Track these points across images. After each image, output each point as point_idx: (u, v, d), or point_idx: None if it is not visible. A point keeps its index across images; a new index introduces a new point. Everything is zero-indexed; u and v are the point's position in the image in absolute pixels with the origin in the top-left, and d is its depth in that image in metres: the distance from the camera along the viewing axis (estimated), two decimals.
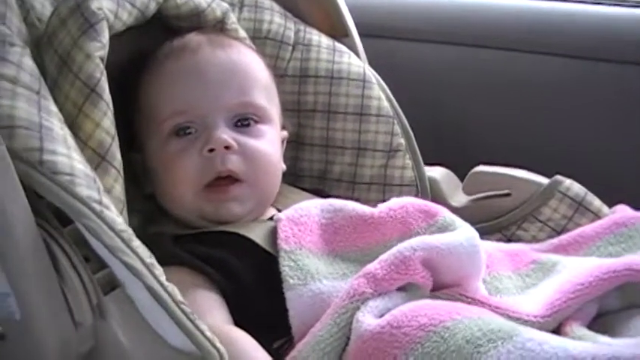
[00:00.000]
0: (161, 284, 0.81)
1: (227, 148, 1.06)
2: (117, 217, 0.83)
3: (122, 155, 1.04)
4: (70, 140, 0.87)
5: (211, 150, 1.06)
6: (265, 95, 1.13)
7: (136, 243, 0.83)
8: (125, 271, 0.80)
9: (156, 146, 1.09)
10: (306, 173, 1.30)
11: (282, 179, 1.17)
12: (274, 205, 1.15)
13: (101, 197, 0.82)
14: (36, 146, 0.81)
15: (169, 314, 0.80)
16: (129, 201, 1.08)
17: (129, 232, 0.83)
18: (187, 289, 0.95)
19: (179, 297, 0.83)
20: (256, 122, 1.11)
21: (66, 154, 0.83)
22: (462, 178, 1.32)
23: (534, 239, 1.22)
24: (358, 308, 0.89)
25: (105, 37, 0.97)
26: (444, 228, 1.03)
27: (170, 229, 1.09)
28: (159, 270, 0.83)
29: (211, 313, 0.94)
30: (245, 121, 1.10)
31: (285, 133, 1.20)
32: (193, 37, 1.13)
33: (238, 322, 0.96)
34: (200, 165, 1.06)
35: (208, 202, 1.07)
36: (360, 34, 1.36)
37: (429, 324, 0.84)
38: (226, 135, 1.06)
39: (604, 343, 0.88)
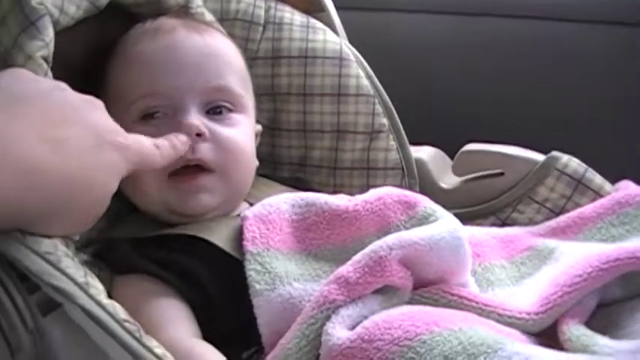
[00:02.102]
0: (98, 303, 0.75)
1: (199, 135, 0.98)
2: (43, 237, 0.76)
3: None
4: None
5: None
6: (241, 83, 1.07)
7: (67, 263, 0.76)
8: (56, 293, 0.73)
9: None
10: (284, 160, 1.23)
11: (259, 167, 1.10)
12: (246, 199, 1.08)
13: None
14: None
15: (109, 334, 0.74)
16: None
17: (58, 253, 0.76)
18: (148, 300, 0.90)
19: (121, 315, 0.77)
20: (229, 111, 1.04)
21: None
22: (452, 157, 1.24)
23: (531, 222, 1.15)
24: (329, 318, 0.82)
25: (48, 34, 0.89)
26: (424, 219, 0.95)
27: (132, 231, 1.01)
28: (96, 289, 0.77)
29: (173, 326, 0.88)
30: (217, 108, 1.03)
31: (259, 127, 1.13)
32: (167, 20, 1.07)
33: (205, 332, 0.90)
34: None
35: (174, 192, 0.99)
36: (340, 7, 1.28)
37: (404, 337, 0.76)
38: (199, 121, 0.98)
39: (603, 346, 0.80)
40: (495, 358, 0.73)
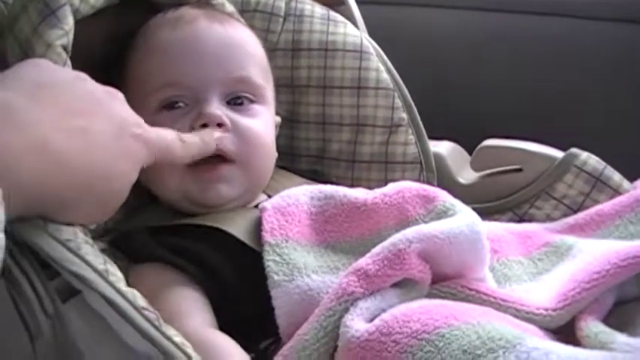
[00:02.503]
0: (118, 291, 0.75)
1: (220, 125, 0.98)
2: (63, 225, 0.76)
3: None
4: None
5: (203, 125, 0.98)
6: (261, 74, 1.06)
7: (87, 249, 0.76)
8: (76, 280, 0.74)
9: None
10: (302, 152, 1.23)
11: (277, 160, 1.09)
12: (264, 190, 1.08)
13: None
14: None
15: (129, 322, 0.75)
16: None
17: (77, 241, 0.76)
18: (166, 289, 0.90)
19: (141, 302, 0.77)
20: (251, 102, 1.04)
21: None
22: (471, 152, 1.24)
23: (548, 218, 1.15)
24: (347, 310, 0.81)
25: (68, 23, 0.89)
26: (443, 213, 0.94)
27: (150, 220, 1.01)
28: (115, 276, 0.77)
29: (190, 316, 0.88)
30: (239, 99, 1.03)
31: (278, 119, 1.13)
32: (189, 10, 1.07)
33: (222, 322, 0.90)
34: None
35: (194, 182, 0.99)
36: (359, 2, 1.27)
37: (422, 331, 0.75)
38: (220, 111, 0.98)
39: (622, 343, 0.79)
40: (514, 353, 0.72)
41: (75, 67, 0.88)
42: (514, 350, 0.72)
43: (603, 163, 1.14)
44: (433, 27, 1.53)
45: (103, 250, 0.87)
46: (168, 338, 0.76)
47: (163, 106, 1.01)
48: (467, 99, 1.50)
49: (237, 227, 0.95)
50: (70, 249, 0.74)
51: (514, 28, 1.47)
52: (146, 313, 0.76)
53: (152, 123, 0.98)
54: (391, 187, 0.99)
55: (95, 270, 0.75)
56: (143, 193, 1.05)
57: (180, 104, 1.00)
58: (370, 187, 1.07)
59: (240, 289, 0.91)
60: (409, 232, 0.86)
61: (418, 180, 1.17)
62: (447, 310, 0.79)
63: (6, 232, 0.63)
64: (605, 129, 1.39)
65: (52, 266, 0.75)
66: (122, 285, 0.77)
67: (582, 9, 1.41)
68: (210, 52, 1.02)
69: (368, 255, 0.86)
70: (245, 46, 1.06)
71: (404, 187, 0.98)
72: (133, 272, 0.93)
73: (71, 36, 0.90)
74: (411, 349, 0.75)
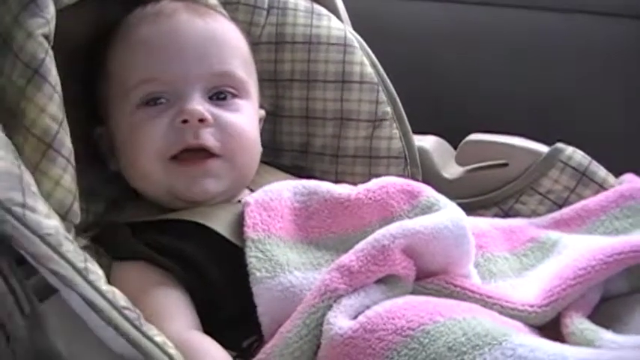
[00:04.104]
0: (97, 290, 0.74)
1: (202, 121, 0.97)
2: (45, 219, 0.74)
3: (87, 133, 1.01)
4: None
5: (184, 121, 0.97)
6: (244, 68, 1.05)
7: (67, 247, 0.74)
8: (55, 279, 0.72)
9: (123, 116, 1.00)
10: (286, 147, 1.21)
11: (261, 154, 1.08)
12: (248, 185, 1.07)
13: (25, 199, 0.73)
14: None
15: (107, 322, 0.73)
16: (94, 185, 1.02)
17: (58, 236, 0.74)
18: (147, 287, 0.89)
19: (121, 302, 0.76)
20: (234, 96, 1.02)
21: None
22: (456, 147, 1.23)
23: (534, 213, 1.14)
24: (330, 307, 0.81)
25: (49, 12, 0.88)
26: (427, 209, 0.93)
27: (132, 216, 1.00)
28: (95, 275, 0.75)
29: (172, 316, 0.87)
30: (221, 94, 1.01)
31: (262, 112, 1.12)
32: (169, 4, 1.05)
33: (204, 320, 0.89)
34: (168, 135, 0.97)
35: (180, 176, 0.98)
36: None
37: (407, 327, 0.75)
38: (202, 107, 0.97)
39: (608, 341, 0.78)
40: (500, 350, 0.71)
41: (58, 58, 0.87)
42: (500, 347, 0.72)
43: (588, 158, 1.13)
44: (418, 20, 1.52)
45: (85, 247, 0.86)
46: (150, 338, 0.74)
47: (144, 103, 0.99)
48: (452, 93, 1.49)
49: (221, 223, 0.94)
50: (49, 244, 0.72)
51: (502, 22, 1.45)
52: (126, 312, 0.75)
53: (133, 118, 0.98)
54: (375, 183, 0.98)
55: (75, 268, 0.73)
56: (124, 186, 1.04)
57: (162, 100, 0.99)
58: (354, 182, 1.06)
59: (222, 285, 0.90)
60: (393, 228, 0.85)
61: (402, 175, 1.16)
62: (431, 306, 0.78)
63: None
64: (591, 125, 1.38)
65: (29, 262, 0.73)
66: (102, 283, 0.75)
67: (572, 3, 1.40)
68: (191, 46, 1.00)
69: (351, 251, 0.85)
70: (227, 40, 1.04)
71: (388, 183, 0.97)
72: (115, 269, 0.92)
73: (53, 25, 0.88)
74: (396, 346, 0.74)
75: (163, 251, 0.92)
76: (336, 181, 1.10)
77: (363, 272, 0.82)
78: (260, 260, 0.88)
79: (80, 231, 0.92)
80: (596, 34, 1.40)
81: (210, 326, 0.88)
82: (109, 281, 0.79)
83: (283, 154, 1.21)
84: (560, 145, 1.14)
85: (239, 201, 0.99)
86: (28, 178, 0.78)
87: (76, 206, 0.86)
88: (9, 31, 0.85)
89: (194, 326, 0.88)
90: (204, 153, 0.98)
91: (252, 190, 1.03)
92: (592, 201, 1.08)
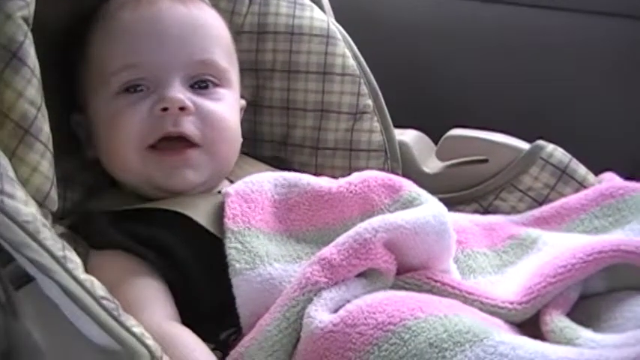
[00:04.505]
0: (75, 279, 0.72)
1: (182, 109, 0.96)
2: (23, 205, 0.73)
3: (65, 119, 0.99)
4: None
5: (164, 109, 0.96)
6: (226, 57, 1.04)
7: (45, 234, 0.73)
8: (32, 267, 0.70)
9: (102, 103, 0.99)
10: (266, 138, 1.20)
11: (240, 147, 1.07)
12: (228, 176, 1.06)
13: (3, 185, 0.73)
14: None
15: (85, 312, 0.72)
16: (71, 172, 1.01)
17: (37, 223, 0.73)
18: (125, 277, 0.88)
19: (100, 292, 0.74)
20: (215, 85, 1.01)
21: None
22: (436, 142, 1.22)
23: (513, 210, 1.14)
24: (310, 300, 0.80)
25: None
26: (408, 203, 0.93)
27: (110, 204, 0.99)
28: (73, 263, 0.74)
29: (149, 307, 0.86)
30: (203, 83, 1.00)
31: (243, 102, 1.11)
32: None
33: (182, 311, 0.89)
34: (147, 123, 0.96)
35: (158, 167, 0.97)
36: None
37: (388, 322, 0.74)
38: (182, 95, 0.96)
39: (587, 339, 0.78)
40: (481, 347, 0.71)
41: (36, 43, 0.85)
42: (481, 344, 0.72)
43: (569, 156, 1.13)
44: (403, 12, 1.51)
45: (62, 235, 0.84)
46: (127, 329, 0.73)
47: (124, 89, 0.98)
48: (434, 87, 1.49)
49: (200, 213, 0.93)
50: (28, 232, 0.71)
51: (484, 16, 1.45)
52: (104, 302, 0.73)
53: (111, 105, 0.97)
54: (356, 176, 0.97)
55: (53, 256, 0.72)
56: (102, 173, 1.03)
57: (142, 87, 0.98)
58: (334, 175, 1.06)
59: (200, 276, 0.89)
60: (375, 222, 0.85)
61: (383, 168, 1.16)
62: (413, 301, 0.78)
63: None
64: (575, 122, 1.38)
65: (5, 250, 0.72)
66: (80, 272, 0.74)
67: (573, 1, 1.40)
68: (173, 33, 0.99)
69: (332, 244, 0.84)
70: (209, 28, 1.03)
71: (369, 177, 0.97)
72: (92, 258, 0.90)
73: (32, 8, 0.86)
74: (377, 340, 0.74)
75: (141, 240, 0.91)
76: (316, 174, 1.10)
77: (344, 266, 0.82)
78: (239, 252, 0.87)
79: (57, 218, 0.91)
80: (577, 29, 1.40)
81: (188, 317, 0.87)
82: (87, 270, 0.77)
83: (263, 144, 1.20)
84: (540, 142, 1.14)
85: (219, 192, 0.98)
86: (5, 163, 0.76)
87: (54, 193, 0.85)
88: None
89: (172, 317, 0.87)
90: (183, 143, 0.97)
91: (231, 181, 1.02)
92: (572, 199, 1.08)
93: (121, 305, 0.77)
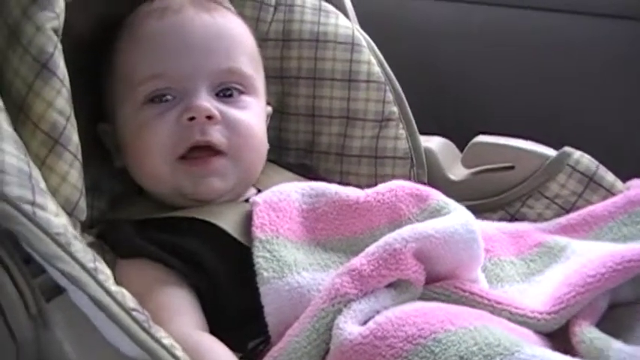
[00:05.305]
0: (106, 291, 0.73)
1: (209, 118, 0.96)
2: (54, 217, 0.73)
3: (92, 128, 1.00)
4: (6, 128, 0.78)
5: (191, 118, 0.96)
6: (252, 64, 1.04)
7: (77, 246, 0.74)
8: (64, 279, 0.71)
9: (129, 113, 0.99)
10: (291, 145, 1.20)
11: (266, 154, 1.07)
12: (254, 184, 1.05)
13: (35, 197, 0.73)
14: None
15: (117, 324, 0.72)
16: (98, 181, 1.02)
17: (68, 235, 0.73)
18: (153, 286, 0.88)
19: (130, 303, 0.75)
20: (241, 93, 1.01)
21: None
22: (462, 149, 1.21)
23: (540, 217, 1.13)
24: (340, 312, 0.80)
25: (59, 6, 0.87)
26: (436, 212, 0.93)
27: (137, 213, 0.99)
28: (104, 275, 0.75)
29: (178, 317, 0.86)
30: (228, 91, 1.00)
31: (269, 109, 1.11)
32: None
33: (210, 320, 0.89)
34: (176, 133, 0.96)
35: (186, 176, 0.97)
36: None
37: (418, 335, 0.74)
38: (209, 104, 0.96)
39: (618, 351, 0.78)
40: None
41: (64, 51, 0.86)
42: (512, 357, 0.71)
43: (596, 163, 1.12)
44: (427, 19, 1.50)
45: (90, 244, 0.85)
46: (158, 341, 0.74)
47: (150, 99, 0.98)
48: (459, 93, 1.48)
49: (228, 221, 0.93)
50: (59, 244, 0.71)
51: (510, 22, 1.44)
52: (135, 314, 0.74)
53: (139, 116, 0.97)
54: (384, 186, 0.97)
55: (85, 268, 0.72)
56: (128, 181, 1.03)
57: (168, 97, 0.98)
58: (359, 182, 1.06)
59: (228, 285, 0.89)
60: (404, 231, 0.85)
61: (408, 175, 1.15)
62: (442, 313, 0.78)
63: None
64: (600, 127, 1.37)
65: (36, 261, 0.72)
66: (111, 284, 0.74)
67: (581, 4, 1.38)
68: (198, 43, 0.99)
69: (362, 255, 0.84)
70: (234, 36, 1.03)
71: (397, 186, 0.97)
72: (120, 267, 0.90)
73: (62, 19, 0.87)
74: (406, 353, 0.73)
75: (169, 249, 0.91)
76: (341, 181, 1.11)
77: (374, 276, 0.81)
78: (267, 260, 0.87)
79: (85, 227, 0.91)
80: (605, 36, 1.39)
81: (216, 326, 0.87)
82: (115, 279, 0.78)
83: (288, 152, 1.20)
84: (567, 149, 1.13)
85: (246, 200, 0.98)
86: (37, 175, 0.77)
87: (83, 202, 0.85)
88: (18, 25, 0.84)
89: (200, 326, 0.87)
90: (210, 151, 0.97)
91: (258, 189, 1.02)
92: (600, 206, 1.07)
93: (149, 314, 0.77)
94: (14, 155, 0.75)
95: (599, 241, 1.02)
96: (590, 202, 1.10)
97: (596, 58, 1.39)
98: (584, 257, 0.94)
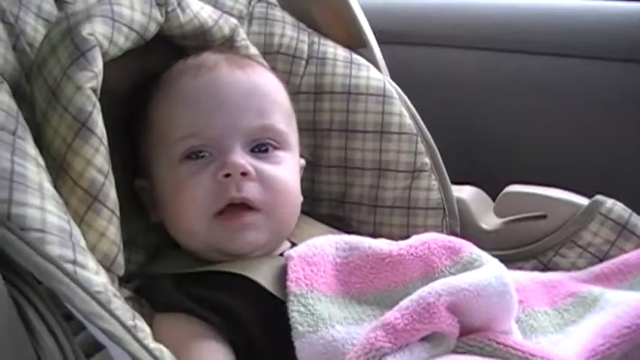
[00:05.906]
0: (146, 348, 0.74)
1: (244, 174, 0.97)
2: (94, 275, 0.75)
3: (128, 182, 1.01)
4: (48, 187, 0.79)
5: (227, 175, 0.97)
6: (285, 120, 1.05)
7: (116, 304, 0.75)
8: (104, 336, 0.72)
9: (166, 171, 1.01)
10: (324, 197, 1.21)
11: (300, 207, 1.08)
12: (288, 237, 1.06)
13: (76, 255, 0.75)
14: (4, 197, 0.74)
15: None
16: (134, 235, 1.03)
17: (108, 293, 0.75)
18: (190, 342, 0.89)
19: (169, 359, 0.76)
20: (275, 148, 1.02)
21: (38, 205, 0.75)
22: (493, 198, 1.22)
23: (573, 266, 1.13)
24: None
25: (97, 65, 0.89)
26: (469, 265, 0.93)
27: (174, 267, 1.00)
28: (144, 332, 0.76)
29: None
30: (263, 146, 1.01)
31: (302, 162, 1.12)
32: (210, 56, 1.05)
33: None
34: (212, 190, 0.97)
35: (222, 231, 0.98)
36: (378, 41, 1.26)
37: None
38: (244, 160, 0.97)
39: None
40: None
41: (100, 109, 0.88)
42: None
43: (629, 211, 1.12)
44: (457, 68, 1.52)
45: (128, 299, 0.86)
46: None
47: (187, 156, 1.00)
48: (491, 142, 1.48)
49: (263, 275, 0.94)
50: (100, 302, 0.73)
51: (537, 69, 1.45)
52: None
53: (175, 174, 0.98)
54: (416, 239, 0.98)
55: (124, 326, 0.73)
56: (165, 234, 1.04)
57: (204, 154, 0.99)
58: (392, 233, 1.06)
59: (264, 339, 0.90)
60: (438, 285, 0.85)
61: (441, 226, 1.16)
62: None
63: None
64: (633, 176, 1.37)
65: (76, 319, 0.74)
66: (150, 341, 0.76)
67: (617, 50, 1.39)
68: (233, 100, 1.01)
69: (396, 309, 0.84)
70: (267, 93, 1.04)
71: (429, 239, 0.97)
72: (157, 321, 0.91)
73: (100, 78, 0.89)
74: None
75: (205, 303, 0.91)
76: (374, 232, 1.11)
77: (408, 330, 0.82)
78: (302, 314, 0.88)
79: (122, 281, 0.92)
80: (628, 82, 1.39)
81: None
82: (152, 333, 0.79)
83: (321, 203, 1.21)
84: (600, 197, 1.13)
85: (280, 254, 0.99)
86: (77, 233, 0.78)
87: (121, 258, 0.87)
88: (58, 84, 0.87)
89: None
90: (242, 207, 0.98)
91: (293, 243, 1.03)
92: (633, 255, 1.07)
93: None
94: (55, 214, 0.77)
95: (633, 291, 1.01)
96: (623, 250, 1.10)
97: (632, 106, 1.39)
98: (618, 307, 0.94)
